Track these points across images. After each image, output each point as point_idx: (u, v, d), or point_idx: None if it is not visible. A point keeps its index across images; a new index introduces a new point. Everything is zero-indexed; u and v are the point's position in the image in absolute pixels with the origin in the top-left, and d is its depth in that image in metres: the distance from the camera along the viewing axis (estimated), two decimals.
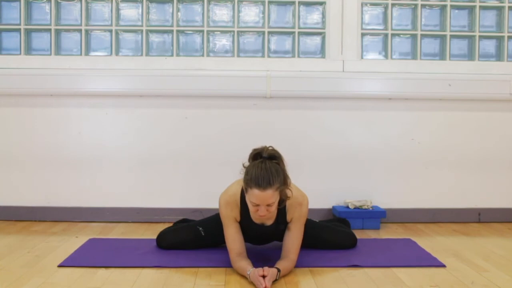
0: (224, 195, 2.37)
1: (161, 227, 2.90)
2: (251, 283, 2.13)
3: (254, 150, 2.28)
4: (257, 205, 2.18)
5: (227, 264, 2.34)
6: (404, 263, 2.42)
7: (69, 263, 2.38)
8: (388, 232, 3.08)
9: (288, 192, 2.27)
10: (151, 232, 2.98)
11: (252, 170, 2.18)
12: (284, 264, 2.25)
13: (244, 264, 2.22)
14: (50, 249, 2.63)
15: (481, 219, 3.35)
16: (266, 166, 2.18)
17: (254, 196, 2.16)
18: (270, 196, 2.15)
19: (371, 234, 3.03)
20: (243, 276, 2.20)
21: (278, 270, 2.16)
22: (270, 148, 2.27)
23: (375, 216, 3.17)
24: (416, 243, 2.80)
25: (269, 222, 2.38)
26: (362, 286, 2.13)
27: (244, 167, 2.26)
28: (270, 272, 2.11)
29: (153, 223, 3.26)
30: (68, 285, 2.09)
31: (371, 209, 3.20)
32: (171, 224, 2.95)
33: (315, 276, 2.26)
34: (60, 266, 2.34)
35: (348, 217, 3.07)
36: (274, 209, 2.24)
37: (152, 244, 2.69)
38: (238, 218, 2.36)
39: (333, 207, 3.29)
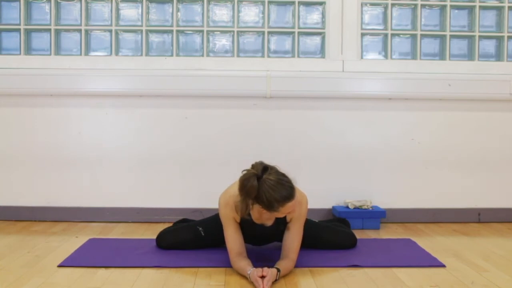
0: (224, 195, 2.37)
1: (161, 227, 2.90)
2: (251, 283, 2.13)
3: (249, 180, 2.10)
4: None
5: (227, 264, 2.34)
6: (404, 263, 2.42)
7: (69, 263, 2.38)
8: (388, 232, 3.08)
9: None
10: (151, 232, 2.98)
11: (267, 193, 2.09)
12: (284, 264, 2.25)
13: (244, 264, 2.22)
14: (50, 249, 2.63)
15: (481, 219, 3.35)
16: (274, 181, 2.11)
17: (288, 207, 2.14)
18: (293, 205, 2.17)
19: (371, 234, 3.03)
20: (243, 276, 2.20)
21: (278, 270, 2.16)
22: (254, 163, 2.17)
23: (375, 216, 3.17)
24: (416, 243, 2.80)
25: (269, 222, 2.38)
26: (362, 286, 2.13)
27: (243, 195, 2.16)
28: (270, 272, 2.11)
29: (153, 223, 3.26)
30: (68, 285, 2.09)
31: (371, 209, 3.20)
32: (171, 224, 2.95)
33: (315, 276, 2.26)
34: (60, 266, 2.34)
35: (348, 217, 3.07)
36: None
37: (152, 244, 2.69)
38: (238, 219, 2.36)
39: (333, 207, 3.29)
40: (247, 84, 3.25)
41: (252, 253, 2.39)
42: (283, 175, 2.17)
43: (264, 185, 2.10)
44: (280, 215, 2.21)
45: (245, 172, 2.15)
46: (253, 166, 2.16)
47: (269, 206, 2.12)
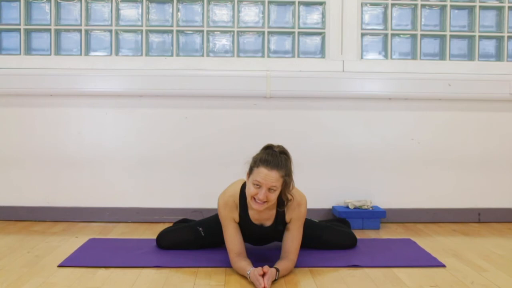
0: (223, 196, 2.37)
1: (161, 227, 2.90)
2: (251, 283, 2.13)
3: (267, 144, 2.33)
4: (259, 187, 2.18)
5: (227, 264, 2.34)
6: (404, 263, 2.42)
7: (69, 263, 2.38)
8: (388, 232, 3.08)
9: (289, 196, 2.28)
10: (151, 232, 2.98)
11: (261, 154, 2.25)
12: (284, 264, 2.25)
13: (244, 264, 2.22)
14: (50, 249, 2.63)
15: (481, 219, 3.35)
16: (275, 154, 2.24)
17: (260, 174, 2.18)
18: (275, 179, 2.17)
19: (371, 234, 3.03)
20: (243, 276, 2.20)
21: (277, 270, 2.16)
22: (281, 146, 2.32)
23: (375, 216, 3.17)
24: (416, 243, 2.80)
25: (268, 223, 2.38)
26: (362, 286, 2.13)
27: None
28: (269, 271, 2.11)
29: (153, 223, 3.26)
30: (68, 285, 2.10)
31: (371, 209, 3.20)
32: (171, 224, 2.95)
33: (315, 276, 2.26)
34: (60, 266, 2.34)
35: (348, 217, 3.07)
36: (273, 198, 2.23)
37: (152, 244, 2.69)
38: (237, 219, 2.36)
39: (333, 207, 3.29)
40: (247, 84, 3.25)
41: (252, 253, 2.39)
42: (286, 164, 2.23)
43: (262, 151, 2.27)
44: (254, 188, 2.20)
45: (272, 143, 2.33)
46: (278, 145, 2.30)
47: (252, 165, 2.23)
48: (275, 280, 2.14)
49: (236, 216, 2.35)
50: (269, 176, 2.17)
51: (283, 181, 2.21)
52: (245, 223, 2.37)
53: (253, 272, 2.12)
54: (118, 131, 3.31)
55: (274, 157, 2.22)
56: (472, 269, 2.35)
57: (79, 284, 2.11)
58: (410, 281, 2.18)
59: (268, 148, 2.30)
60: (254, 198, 2.22)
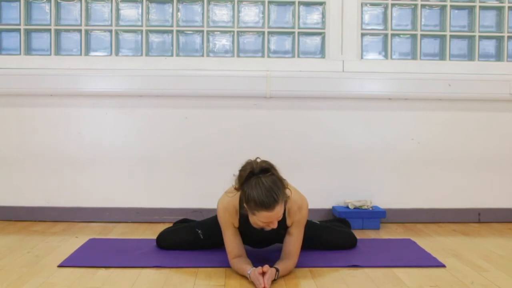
0: (222, 200, 2.35)
1: (161, 227, 2.90)
2: (251, 283, 2.13)
3: (244, 169, 2.15)
4: (267, 223, 2.16)
5: (227, 264, 2.34)
6: (404, 263, 2.42)
7: (69, 263, 2.38)
8: (388, 232, 3.08)
9: (288, 192, 2.26)
10: (151, 232, 2.98)
11: (253, 193, 2.08)
12: (284, 264, 2.24)
13: (244, 265, 2.22)
14: (50, 249, 2.63)
15: (481, 219, 3.35)
16: (264, 184, 2.09)
17: (264, 217, 2.11)
18: (279, 211, 2.12)
19: (371, 234, 3.03)
20: (243, 277, 2.20)
21: (277, 270, 2.16)
22: (259, 160, 2.18)
23: (375, 216, 3.17)
24: (416, 243, 2.80)
25: (269, 227, 2.37)
26: (362, 286, 2.13)
27: (234, 175, 2.18)
28: (269, 271, 2.11)
29: (153, 223, 3.26)
30: (68, 285, 2.10)
31: (371, 209, 3.20)
32: (171, 224, 2.95)
33: (315, 276, 2.26)
34: (60, 266, 2.34)
35: (348, 217, 3.07)
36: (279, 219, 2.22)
37: (152, 244, 2.69)
38: (237, 224, 2.34)
39: (333, 207, 3.29)
40: (247, 84, 3.25)
41: (252, 254, 2.39)
42: (277, 185, 2.11)
43: (252, 182, 2.10)
44: (258, 222, 2.15)
45: (249, 161, 2.16)
46: (256, 162, 2.15)
47: (248, 203, 2.11)
48: (275, 280, 2.14)
49: (235, 221, 2.33)
50: (272, 215, 2.11)
51: (283, 202, 2.16)
52: (245, 228, 2.34)
53: (254, 271, 2.11)
54: (118, 131, 3.31)
55: (266, 191, 2.07)
56: (472, 269, 2.35)
57: (79, 284, 2.11)
58: (410, 281, 2.18)
59: (252, 175, 2.13)
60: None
